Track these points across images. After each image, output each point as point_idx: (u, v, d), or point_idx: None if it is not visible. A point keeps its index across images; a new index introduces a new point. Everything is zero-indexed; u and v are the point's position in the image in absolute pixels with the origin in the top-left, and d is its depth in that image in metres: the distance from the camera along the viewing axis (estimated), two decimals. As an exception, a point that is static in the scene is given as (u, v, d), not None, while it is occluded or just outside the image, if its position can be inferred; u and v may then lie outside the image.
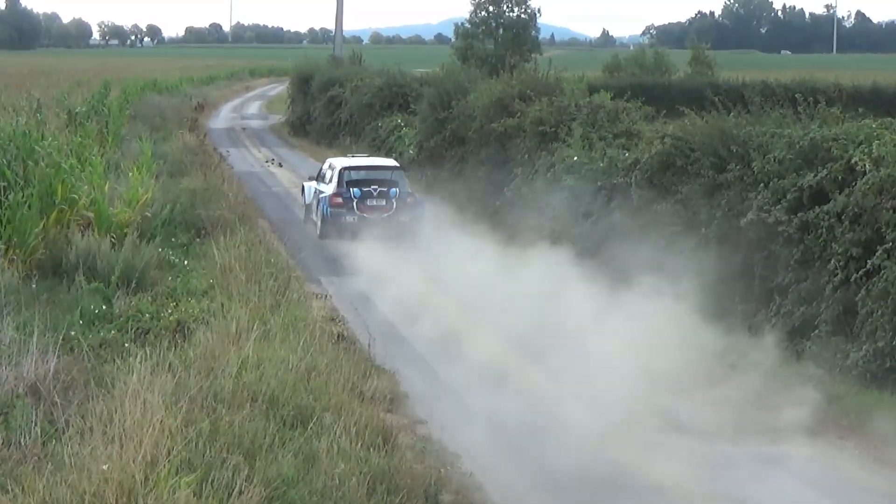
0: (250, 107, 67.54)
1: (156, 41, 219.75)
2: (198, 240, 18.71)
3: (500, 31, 51.50)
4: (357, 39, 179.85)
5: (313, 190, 23.18)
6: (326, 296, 16.30)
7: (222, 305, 12.79)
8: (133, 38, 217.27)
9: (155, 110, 42.70)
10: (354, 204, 21.76)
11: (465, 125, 26.18)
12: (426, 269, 17.63)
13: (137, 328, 12.50)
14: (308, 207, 23.73)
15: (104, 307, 13.37)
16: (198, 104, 54.71)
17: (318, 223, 22.34)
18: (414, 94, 33.79)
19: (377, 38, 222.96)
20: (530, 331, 13.86)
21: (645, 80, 45.49)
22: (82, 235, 15.83)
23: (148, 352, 10.29)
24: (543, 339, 13.45)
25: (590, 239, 18.15)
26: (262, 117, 57.68)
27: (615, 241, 16.85)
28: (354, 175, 22.30)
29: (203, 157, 29.44)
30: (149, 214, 18.50)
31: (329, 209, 21.91)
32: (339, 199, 21.84)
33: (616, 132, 21.03)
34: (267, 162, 36.32)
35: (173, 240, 18.52)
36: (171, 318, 12.83)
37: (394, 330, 14.89)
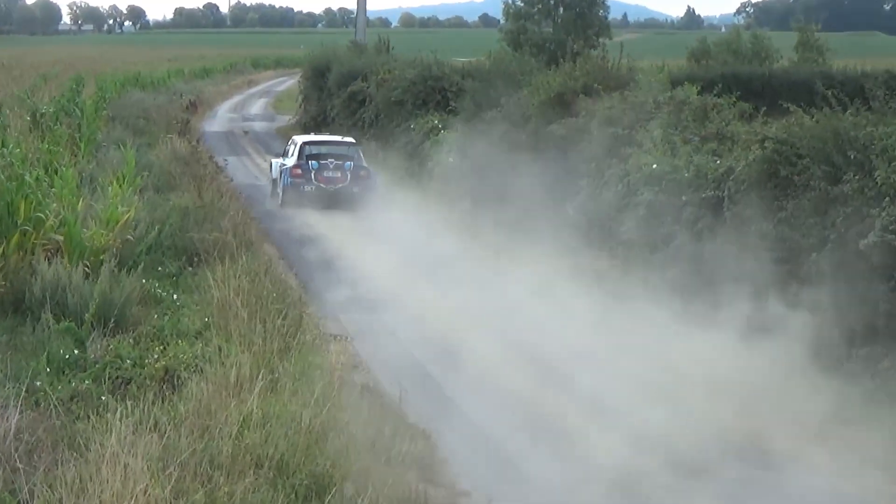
0: (253, 105, 68.01)
1: (138, 26, 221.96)
2: (190, 269, 18.85)
3: (561, 10, 51.59)
4: (384, 22, 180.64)
5: (279, 165, 30.39)
6: (347, 337, 16.51)
7: (220, 349, 12.87)
8: (111, 22, 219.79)
9: (138, 111, 43.07)
10: (312, 175, 28.99)
11: (517, 127, 26.05)
12: (470, 305, 17.74)
13: (117, 377, 12.56)
14: (274, 182, 30.78)
15: (76, 351, 13.40)
16: (189, 102, 55.35)
17: (280, 192, 29.62)
18: (454, 89, 33.92)
19: (408, 20, 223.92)
20: (598, 379, 13.86)
21: (740, 70, 45.29)
22: (49, 263, 15.74)
23: (129, 406, 10.33)
24: (614, 388, 13.45)
25: (672, 266, 18.06)
26: (267, 118, 58.20)
27: (704, 270, 16.77)
28: (314, 150, 29.71)
29: (196, 167, 29.56)
30: (131, 238, 18.59)
31: (290, 179, 29.14)
32: (299, 171, 29.09)
33: (704, 134, 20.93)
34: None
35: (160, 269, 18.63)
36: (157, 365, 12.89)
37: (431, 380, 14.95)
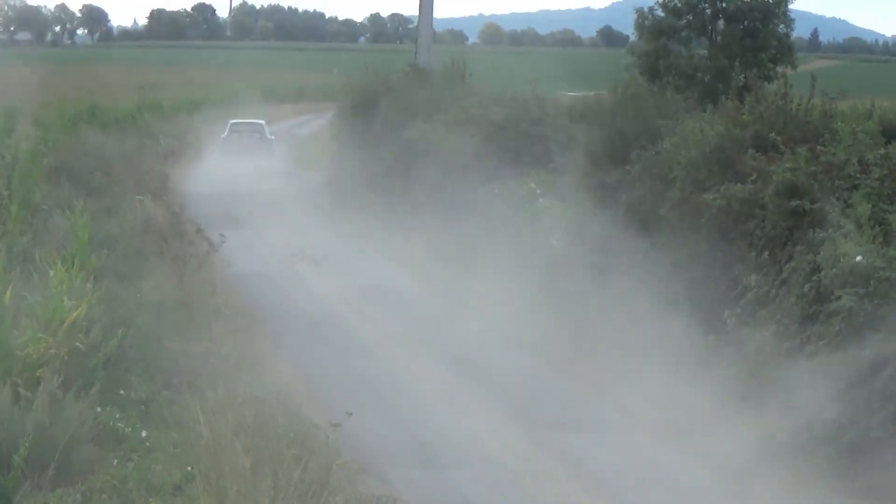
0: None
1: (97, 35, 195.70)
2: (166, 394, 17.45)
3: (720, 22, 44.41)
4: (458, 36, 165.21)
5: (219, 137, 55.36)
6: (396, 501, 14.68)
7: (209, 516, 12.85)
8: (58, 29, 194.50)
9: (95, 160, 39.63)
10: (234, 140, 54.22)
11: (654, 195, 23.29)
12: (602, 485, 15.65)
13: (57, 555, 12.37)
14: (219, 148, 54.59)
15: (-2, 514, 12.95)
16: (170, 150, 53.13)
17: (218, 152, 53.11)
18: (561, 138, 29.65)
19: (493, 34, 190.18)
20: None
21: None
22: (-39, 382, 14.88)
23: None
24: None
25: (881, 411, 15.20)
26: (284, 174, 56.77)
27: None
28: (237, 127, 54.98)
29: (179, 244, 27.34)
30: (81, 346, 16.84)
31: (222, 144, 54.10)
32: (229, 139, 54.49)
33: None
34: (293, 255, 32.73)
35: (123, 393, 17.27)
36: (116, 538, 12.79)
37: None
